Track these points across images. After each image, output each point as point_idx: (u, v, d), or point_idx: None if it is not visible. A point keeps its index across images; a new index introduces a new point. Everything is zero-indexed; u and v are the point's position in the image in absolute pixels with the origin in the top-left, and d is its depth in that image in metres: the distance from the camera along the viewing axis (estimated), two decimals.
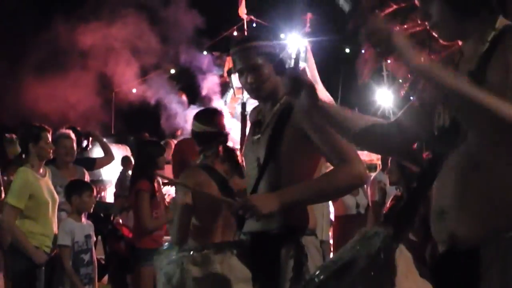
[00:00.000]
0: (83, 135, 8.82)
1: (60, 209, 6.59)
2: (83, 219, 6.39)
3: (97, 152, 10.91)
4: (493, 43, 2.52)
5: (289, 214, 3.57)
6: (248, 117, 4.10)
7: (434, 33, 2.75)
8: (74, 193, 6.26)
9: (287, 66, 3.86)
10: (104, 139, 9.62)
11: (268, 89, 3.75)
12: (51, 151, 6.34)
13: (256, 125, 3.90)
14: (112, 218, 8.60)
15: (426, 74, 2.46)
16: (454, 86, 2.35)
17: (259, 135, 3.80)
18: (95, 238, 6.62)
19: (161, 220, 6.90)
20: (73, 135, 7.29)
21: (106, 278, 8.81)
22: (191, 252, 3.59)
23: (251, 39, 3.76)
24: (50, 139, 6.26)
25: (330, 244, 8.76)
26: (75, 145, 7.28)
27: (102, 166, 9.29)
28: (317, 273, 2.53)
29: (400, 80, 29.74)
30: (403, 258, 2.35)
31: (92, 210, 6.71)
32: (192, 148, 7.00)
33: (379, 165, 19.96)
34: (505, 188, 2.41)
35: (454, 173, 2.58)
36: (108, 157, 8.97)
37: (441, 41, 2.76)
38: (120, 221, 8.30)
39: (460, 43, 2.71)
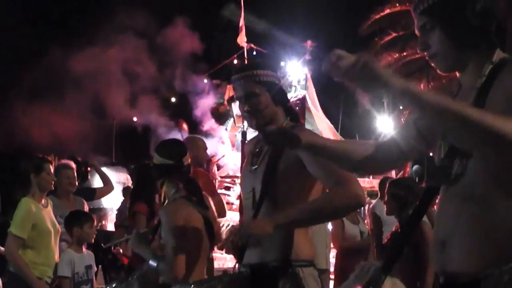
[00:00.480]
0: (82, 164, 8.84)
1: (61, 240, 6.59)
2: (84, 249, 6.37)
3: (97, 181, 10.94)
4: (490, 76, 2.55)
5: (287, 245, 3.57)
6: (245, 147, 4.11)
7: (432, 64, 2.76)
8: (75, 224, 6.24)
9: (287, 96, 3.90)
10: (104, 167, 9.60)
11: (266, 118, 3.73)
12: (53, 182, 6.34)
13: (253, 155, 3.88)
14: (112, 247, 8.58)
15: (411, 95, 2.38)
16: (441, 103, 2.30)
17: (256, 166, 3.78)
18: (95, 268, 6.59)
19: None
20: (73, 165, 7.30)
21: None
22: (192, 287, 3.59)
23: (250, 68, 3.77)
24: (52, 171, 6.28)
25: (330, 272, 8.72)
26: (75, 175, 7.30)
27: (101, 197, 9.29)
28: None
29: (401, 107, 29.82)
30: None
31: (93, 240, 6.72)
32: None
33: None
34: (503, 220, 2.41)
35: (453, 204, 2.57)
36: (108, 187, 8.95)
37: (440, 71, 2.78)
38: (121, 251, 8.28)
39: (457, 74, 2.73)
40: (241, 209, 13.34)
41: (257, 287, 3.55)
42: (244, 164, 4.04)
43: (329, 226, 8.59)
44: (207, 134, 21.73)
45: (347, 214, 3.78)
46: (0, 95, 20.55)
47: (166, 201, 4.75)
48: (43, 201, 6.19)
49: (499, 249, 2.41)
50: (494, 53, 2.57)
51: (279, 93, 3.77)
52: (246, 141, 14.65)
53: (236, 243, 3.51)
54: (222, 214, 7.35)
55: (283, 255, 3.56)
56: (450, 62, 2.70)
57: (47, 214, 6.09)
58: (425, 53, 2.80)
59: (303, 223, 3.62)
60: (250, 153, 3.97)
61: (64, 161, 7.40)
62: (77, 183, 7.41)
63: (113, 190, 9.22)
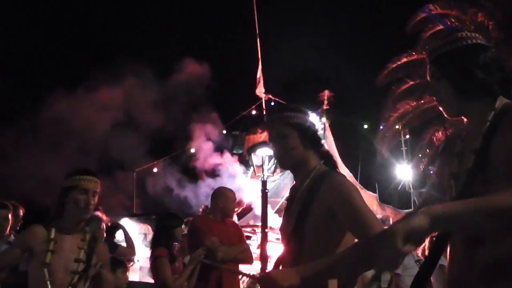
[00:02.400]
0: (110, 226, 8.92)
1: None
2: None
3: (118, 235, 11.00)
4: (494, 122, 2.66)
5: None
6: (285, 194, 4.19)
7: (440, 109, 2.92)
8: (117, 270, 6.39)
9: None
10: (126, 218, 9.72)
11: (294, 159, 3.73)
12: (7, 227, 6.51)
13: (289, 201, 3.87)
14: None
15: (448, 220, 2.27)
16: (477, 211, 2.26)
17: (290, 210, 3.77)
18: None
19: (181, 279, 6.89)
20: (104, 218, 7.45)
21: None
22: None
23: (282, 110, 3.80)
24: (9, 216, 6.55)
25: None
26: None
27: (122, 255, 9.38)
28: None
29: (420, 155, 29.81)
30: None
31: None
32: (205, 223, 7.15)
33: None
34: (510, 260, 2.49)
35: (462, 247, 2.64)
36: (131, 250, 9.03)
37: (445, 115, 2.91)
38: None
39: (464, 119, 2.87)
40: (262, 258, 13.39)
41: None
42: (285, 213, 4.01)
43: None
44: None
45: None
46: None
47: None
48: None
49: None
50: (497, 100, 2.72)
51: (310, 136, 3.75)
52: (267, 190, 14.72)
53: None
54: (250, 261, 7.50)
55: None
56: (455, 109, 2.83)
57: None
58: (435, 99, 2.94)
59: (328, 278, 3.47)
60: (288, 200, 3.96)
61: (98, 213, 7.49)
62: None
63: (135, 255, 9.31)
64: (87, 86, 20.55)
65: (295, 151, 3.72)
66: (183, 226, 7.21)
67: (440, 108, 2.91)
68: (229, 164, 23.78)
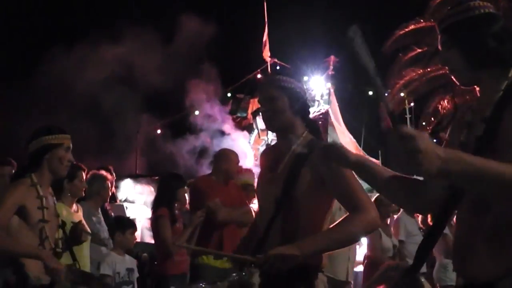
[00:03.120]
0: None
1: (101, 244, 6.73)
2: (125, 254, 6.52)
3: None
4: (506, 92, 2.68)
5: None
6: (260, 155, 4.19)
7: (452, 78, 2.89)
8: (117, 230, 6.46)
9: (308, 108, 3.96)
10: (129, 179, 9.71)
11: (282, 122, 3.81)
12: (84, 189, 6.45)
13: (272, 163, 3.92)
14: (139, 255, 8.66)
15: (457, 167, 2.31)
16: (487, 170, 2.30)
17: (274, 174, 3.83)
18: (138, 274, 6.69)
19: (181, 239, 6.89)
20: (109, 177, 7.44)
21: None
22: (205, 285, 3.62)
23: (272, 74, 3.85)
24: (84, 178, 6.40)
25: (351, 285, 8.77)
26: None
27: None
28: None
29: (424, 123, 29.76)
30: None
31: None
32: (207, 185, 7.14)
33: None
34: None
35: (468, 213, 2.68)
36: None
37: (458, 84, 2.90)
38: (147, 257, 8.36)
39: (476, 88, 2.84)
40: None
41: None
42: (261, 173, 4.11)
43: None
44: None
45: (361, 238, 3.86)
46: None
47: None
48: (74, 207, 6.31)
49: (509, 255, 2.51)
50: (510, 70, 2.69)
51: (299, 102, 3.84)
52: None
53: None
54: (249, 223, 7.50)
55: (300, 262, 3.53)
56: (467, 78, 2.82)
57: (78, 219, 6.21)
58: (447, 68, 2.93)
59: (325, 251, 3.72)
60: (266, 162, 4.04)
61: (102, 171, 7.48)
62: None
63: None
64: (88, 45, 20.41)
65: (283, 114, 3.80)
66: (185, 187, 7.21)
67: (453, 77, 2.88)
68: (232, 128, 23.78)
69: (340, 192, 3.60)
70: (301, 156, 3.70)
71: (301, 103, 3.86)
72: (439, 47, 2.92)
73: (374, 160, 27.17)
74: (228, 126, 23.40)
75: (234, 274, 3.46)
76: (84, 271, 4.85)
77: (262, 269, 3.42)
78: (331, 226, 3.63)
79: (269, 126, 3.95)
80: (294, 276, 3.57)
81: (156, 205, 7.14)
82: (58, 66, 20.21)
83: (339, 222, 3.58)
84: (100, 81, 20.98)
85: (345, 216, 3.61)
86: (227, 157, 7.24)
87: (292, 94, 3.81)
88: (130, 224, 6.64)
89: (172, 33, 22.63)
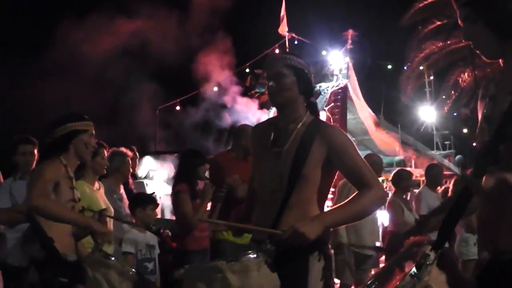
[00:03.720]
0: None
1: (123, 221, 6.75)
2: (146, 231, 6.53)
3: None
4: None
5: None
6: (252, 131, 4.20)
7: (477, 52, 2.84)
8: (138, 206, 6.45)
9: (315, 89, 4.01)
10: (148, 156, 9.68)
11: (287, 99, 3.86)
12: (105, 167, 6.46)
13: (275, 141, 3.92)
14: (161, 231, 8.64)
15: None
16: None
17: (277, 149, 3.85)
18: (159, 250, 6.71)
19: (199, 213, 6.89)
20: (130, 153, 7.43)
21: None
22: (229, 261, 3.63)
23: (281, 53, 3.90)
24: (105, 155, 6.42)
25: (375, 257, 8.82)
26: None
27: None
28: (369, 281, 2.70)
29: (444, 97, 29.60)
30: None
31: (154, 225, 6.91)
32: (226, 161, 7.14)
33: (422, 181, 19.93)
34: None
35: (494, 189, 2.61)
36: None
37: (484, 58, 2.86)
38: (170, 234, 8.32)
39: (501, 61, 2.79)
40: None
41: (286, 265, 3.60)
42: (257, 147, 4.13)
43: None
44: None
45: (372, 212, 3.97)
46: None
47: None
48: (96, 184, 6.33)
49: None
50: None
51: (305, 83, 3.89)
52: None
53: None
54: None
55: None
56: (494, 52, 2.76)
57: (100, 196, 6.22)
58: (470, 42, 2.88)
59: (343, 224, 4.03)
60: (262, 138, 4.01)
61: (121, 148, 7.49)
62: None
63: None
64: (102, 19, 20.34)
65: (289, 92, 3.84)
66: (206, 165, 7.20)
67: (478, 52, 2.84)
68: (250, 104, 23.82)
69: (348, 170, 3.75)
70: (309, 134, 3.79)
71: (308, 84, 3.91)
72: (460, 22, 2.86)
73: (393, 134, 27.13)
74: (245, 101, 23.46)
75: (250, 251, 3.48)
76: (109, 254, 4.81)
77: (285, 243, 3.46)
78: (345, 201, 3.75)
79: (273, 101, 4.01)
80: (311, 247, 3.63)
81: (176, 181, 7.13)
82: (70, 39, 20.17)
83: (352, 198, 3.70)
84: (116, 56, 20.95)
85: (357, 192, 3.73)
86: (247, 133, 7.22)
87: (300, 74, 3.87)
88: (151, 200, 6.62)
89: (188, 8, 22.56)
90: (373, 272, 8.40)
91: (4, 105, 19.11)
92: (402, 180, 8.62)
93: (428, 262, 2.39)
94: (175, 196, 6.95)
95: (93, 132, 4.90)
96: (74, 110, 5.13)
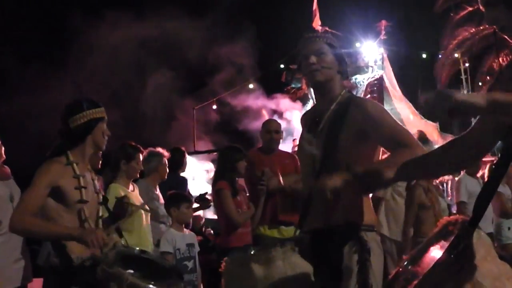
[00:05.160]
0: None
1: (160, 222, 6.83)
2: (185, 230, 6.65)
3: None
4: None
5: (351, 210, 3.65)
6: (301, 118, 4.20)
7: (505, 36, 2.87)
8: (172, 206, 6.48)
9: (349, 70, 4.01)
10: (187, 156, 9.65)
11: (326, 77, 3.83)
12: (139, 170, 6.48)
13: (312, 124, 3.95)
14: (203, 229, 8.72)
15: (499, 104, 2.41)
16: None
17: (314, 133, 3.86)
18: (199, 248, 6.76)
19: (246, 214, 6.96)
20: (166, 154, 7.48)
21: None
22: (253, 251, 3.66)
23: (321, 32, 3.91)
24: (141, 160, 6.49)
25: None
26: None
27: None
28: (405, 262, 2.75)
29: (480, 83, 29.30)
30: (482, 242, 2.49)
31: (190, 225, 7.00)
32: (256, 156, 7.27)
33: None
34: None
35: None
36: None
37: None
38: (212, 232, 8.38)
39: None
40: None
41: (320, 252, 3.64)
42: (301, 135, 4.14)
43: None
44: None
45: None
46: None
47: None
48: (130, 187, 6.36)
49: None
50: None
51: (342, 62, 3.90)
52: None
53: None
54: None
55: (348, 220, 3.63)
56: None
57: (136, 198, 6.20)
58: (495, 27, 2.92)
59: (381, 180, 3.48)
60: (306, 124, 4.05)
61: (159, 149, 7.51)
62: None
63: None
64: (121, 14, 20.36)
65: (329, 70, 3.87)
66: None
67: (505, 36, 2.88)
68: (286, 100, 23.84)
69: (386, 137, 3.61)
70: (339, 113, 3.77)
71: (345, 65, 3.95)
72: (482, 8, 2.89)
73: (431, 123, 26.95)
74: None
75: (282, 242, 3.53)
76: (129, 247, 4.58)
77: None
78: (384, 158, 3.67)
79: (313, 79, 3.93)
80: (346, 234, 3.62)
81: (216, 179, 7.21)
82: (94, 36, 20.23)
83: (391, 154, 3.57)
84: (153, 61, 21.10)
85: (395, 150, 3.56)
86: (263, 127, 7.40)
87: (337, 53, 3.91)
88: (184, 198, 6.64)
89: (217, 7, 22.66)
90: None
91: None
92: None
93: (463, 240, 2.42)
94: (216, 194, 7.04)
95: (106, 118, 4.60)
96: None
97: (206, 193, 7.95)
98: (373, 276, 3.54)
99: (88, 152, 4.55)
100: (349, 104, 3.75)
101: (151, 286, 3.91)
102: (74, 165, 4.41)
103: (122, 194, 5.78)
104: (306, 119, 4.10)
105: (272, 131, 7.42)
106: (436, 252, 2.61)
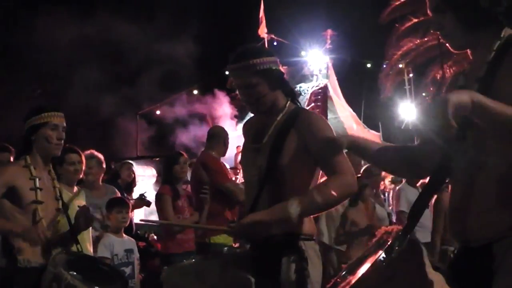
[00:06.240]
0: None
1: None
2: (124, 235, 6.52)
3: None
4: (499, 51, 2.64)
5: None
6: (243, 127, 4.10)
7: (446, 42, 2.87)
8: (113, 210, 6.36)
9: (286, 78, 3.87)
10: (130, 161, 9.58)
11: (266, 104, 3.73)
12: (79, 172, 6.28)
13: (256, 134, 3.85)
14: (146, 235, 8.65)
15: (483, 108, 2.37)
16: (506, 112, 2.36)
17: (259, 144, 3.76)
18: (138, 254, 6.60)
19: (186, 222, 6.91)
20: (99, 156, 7.29)
21: None
22: (193, 261, 3.61)
23: (246, 57, 3.70)
24: (76, 160, 6.08)
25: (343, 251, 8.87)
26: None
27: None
28: (343, 272, 2.69)
29: (424, 94, 29.71)
30: (415, 250, 2.45)
31: (134, 229, 6.91)
32: (216, 163, 7.16)
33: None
34: (509, 186, 2.50)
35: (463, 174, 2.65)
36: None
37: (452, 50, 2.88)
38: (155, 237, 8.33)
39: (469, 52, 2.83)
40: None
41: (260, 262, 3.57)
42: (245, 144, 4.03)
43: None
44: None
45: (340, 203, 3.74)
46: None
47: None
48: (75, 189, 6.21)
49: (506, 214, 2.51)
50: (502, 30, 2.67)
51: (277, 78, 3.73)
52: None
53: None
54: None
55: (286, 230, 3.55)
56: (461, 42, 2.79)
57: (79, 202, 6.07)
58: (439, 33, 2.91)
59: (305, 215, 3.55)
60: (250, 132, 3.95)
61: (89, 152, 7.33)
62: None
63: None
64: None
65: (266, 97, 3.71)
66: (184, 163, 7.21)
67: (446, 43, 2.87)
68: (225, 107, 23.95)
69: (320, 157, 3.56)
70: (286, 125, 3.67)
71: (278, 77, 3.75)
72: (430, 13, 2.88)
73: (374, 132, 27.23)
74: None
75: (225, 248, 3.48)
76: (84, 254, 4.78)
77: (239, 238, 3.42)
78: (308, 190, 3.57)
79: (253, 111, 3.88)
80: (284, 244, 3.57)
81: (161, 184, 7.24)
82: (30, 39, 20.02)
83: (316, 186, 3.57)
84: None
85: (322, 180, 3.59)
86: (227, 135, 7.34)
87: (269, 75, 3.69)
88: (125, 204, 6.53)
89: (157, 12, 22.63)
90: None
91: None
92: (372, 176, 8.71)
93: (397, 247, 2.39)
94: (156, 198, 7.00)
95: (58, 123, 4.68)
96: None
97: (145, 192, 8.06)
98: (311, 286, 3.50)
99: (39, 158, 4.70)
100: (295, 118, 3.65)
101: None
102: (32, 167, 4.58)
103: (65, 198, 5.68)
104: (249, 129, 3.99)
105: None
106: (370, 260, 2.56)
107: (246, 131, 4.01)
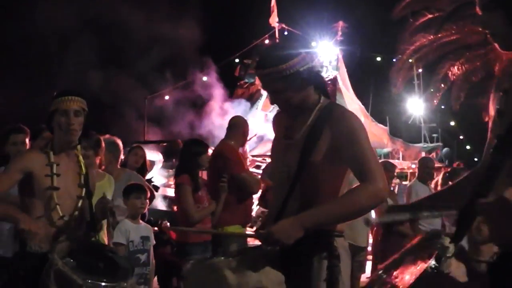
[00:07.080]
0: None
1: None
2: (141, 221, 6.49)
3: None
4: None
5: None
6: (273, 118, 4.02)
7: (493, 42, 2.81)
8: (124, 197, 6.31)
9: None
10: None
11: (296, 104, 3.63)
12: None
13: (287, 129, 3.75)
14: (159, 222, 8.57)
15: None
16: None
17: (290, 141, 3.68)
18: (154, 242, 6.56)
19: (205, 211, 6.84)
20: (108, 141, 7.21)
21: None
22: (225, 258, 3.55)
23: (271, 64, 3.61)
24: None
25: (367, 251, 8.82)
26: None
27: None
28: (380, 272, 2.67)
29: (432, 90, 29.63)
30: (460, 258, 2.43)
31: (147, 216, 6.86)
32: (233, 153, 7.12)
33: (410, 173, 19.98)
34: None
35: (508, 181, 2.60)
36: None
37: (500, 49, 2.82)
38: (168, 224, 8.23)
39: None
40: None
41: (290, 259, 3.52)
42: (276, 139, 3.94)
43: None
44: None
45: (369, 211, 3.68)
46: None
47: None
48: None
49: None
50: None
51: (305, 78, 3.59)
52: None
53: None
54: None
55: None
56: (510, 42, 2.76)
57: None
58: (486, 31, 2.84)
59: (329, 224, 3.56)
60: (281, 126, 3.82)
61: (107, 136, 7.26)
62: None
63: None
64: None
65: (293, 99, 3.60)
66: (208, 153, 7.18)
67: (493, 43, 2.81)
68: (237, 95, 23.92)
69: (352, 160, 3.45)
70: (319, 123, 3.56)
71: (308, 77, 3.60)
72: (478, 10, 2.82)
73: (382, 126, 27.17)
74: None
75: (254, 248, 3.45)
76: (91, 241, 4.68)
77: (266, 244, 3.39)
78: (337, 198, 3.54)
79: (285, 112, 3.77)
80: (314, 243, 3.48)
81: (178, 173, 7.10)
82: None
83: (344, 194, 3.51)
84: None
85: (352, 187, 3.48)
86: (246, 124, 7.33)
87: (296, 77, 3.56)
88: (135, 189, 6.48)
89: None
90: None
91: None
92: (386, 171, 8.69)
93: (448, 255, 2.37)
94: (176, 187, 6.94)
95: (66, 108, 4.48)
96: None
97: (152, 178, 8.19)
98: (342, 283, 3.47)
99: (58, 143, 4.56)
100: (329, 115, 3.55)
101: (74, 277, 3.91)
102: (51, 153, 4.49)
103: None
104: (280, 121, 3.91)
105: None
106: (410, 265, 2.54)
107: (277, 123, 3.92)
